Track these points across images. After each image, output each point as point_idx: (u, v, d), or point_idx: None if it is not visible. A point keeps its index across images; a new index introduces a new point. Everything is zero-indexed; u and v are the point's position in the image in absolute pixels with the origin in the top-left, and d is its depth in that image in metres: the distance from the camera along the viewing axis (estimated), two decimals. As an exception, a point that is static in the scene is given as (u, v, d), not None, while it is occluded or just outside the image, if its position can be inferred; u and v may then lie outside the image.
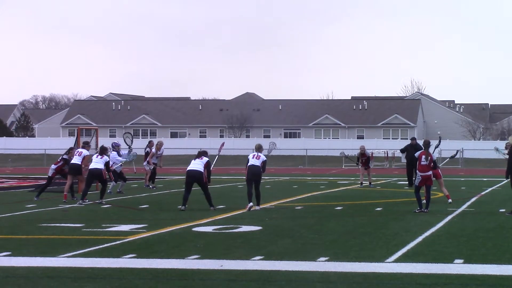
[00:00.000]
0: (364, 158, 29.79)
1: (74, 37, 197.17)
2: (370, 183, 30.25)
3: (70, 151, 24.08)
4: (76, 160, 23.17)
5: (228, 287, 10.12)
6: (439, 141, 22.41)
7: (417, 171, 19.46)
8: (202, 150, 21.53)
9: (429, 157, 19.36)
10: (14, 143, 79.65)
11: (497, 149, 30.97)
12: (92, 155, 23.29)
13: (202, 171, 20.29)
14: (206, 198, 20.39)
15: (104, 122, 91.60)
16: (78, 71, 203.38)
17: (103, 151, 22.68)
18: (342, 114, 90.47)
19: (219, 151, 25.24)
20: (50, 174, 24.24)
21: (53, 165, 24.39)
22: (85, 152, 23.41)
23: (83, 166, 23.30)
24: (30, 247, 13.31)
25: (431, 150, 19.85)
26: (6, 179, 36.20)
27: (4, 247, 13.21)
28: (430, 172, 19.39)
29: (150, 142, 30.58)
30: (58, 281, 10.37)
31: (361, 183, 29.97)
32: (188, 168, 20.49)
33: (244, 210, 19.73)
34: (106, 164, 22.42)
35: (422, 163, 19.28)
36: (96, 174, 22.17)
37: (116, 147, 26.08)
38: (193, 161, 20.71)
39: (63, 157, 24.16)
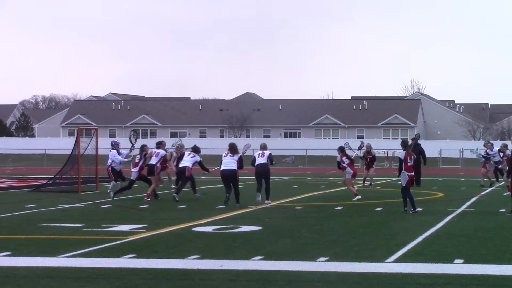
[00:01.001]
0: (369, 157, 29.59)
1: (74, 37, 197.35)
2: (370, 183, 30.10)
3: (144, 148, 24.40)
4: (152, 160, 23.79)
5: (228, 287, 10.12)
6: (414, 138, 22.85)
7: (404, 171, 19.40)
8: (232, 143, 22.12)
9: (413, 157, 19.53)
10: (14, 143, 79.66)
11: (472, 151, 31.39)
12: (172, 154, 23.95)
13: (236, 169, 21.09)
14: (235, 194, 21.09)
15: (104, 122, 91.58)
16: (78, 71, 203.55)
17: (196, 150, 23.53)
18: (342, 114, 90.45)
19: (244, 152, 24.62)
20: (133, 177, 24.12)
21: (133, 168, 24.29)
22: (161, 152, 24.03)
23: (157, 165, 23.87)
24: (30, 247, 13.30)
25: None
26: (6, 179, 36.19)
27: (4, 247, 13.20)
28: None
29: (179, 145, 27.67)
30: (58, 281, 10.37)
31: (364, 182, 29.81)
32: (223, 168, 21.14)
33: (244, 210, 19.74)
34: (199, 163, 23.18)
35: (409, 163, 19.39)
36: (181, 172, 23.05)
37: (115, 146, 26.05)
38: (224, 158, 21.34)
39: (143, 155, 24.25)
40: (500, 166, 28.29)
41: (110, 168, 25.70)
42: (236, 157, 21.21)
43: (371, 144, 31.32)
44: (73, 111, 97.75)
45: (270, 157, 21.80)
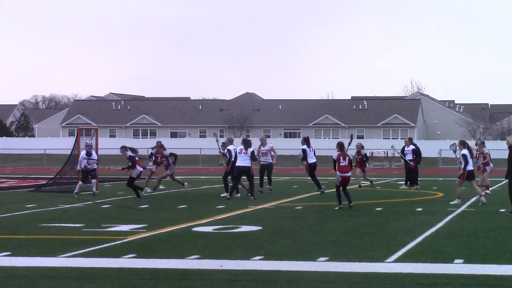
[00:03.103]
0: (358, 157, 28.14)
1: (74, 37, 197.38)
2: (371, 183, 28.97)
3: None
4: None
5: (228, 287, 10.11)
6: (351, 139, 23.23)
7: (337, 171, 19.73)
8: (246, 139, 23.50)
9: (347, 157, 19.84)
10: (14, 143, 79.67)
11: (392, 147, 31.59)
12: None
13: (250, 165, 22.89)
14: (250, 187, 22.98)
15: (104, 122, 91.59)
16: (78, 71, 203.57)
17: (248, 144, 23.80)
18: (342, 114, 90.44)
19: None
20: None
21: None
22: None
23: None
24: (30, 247, 13.30)
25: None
26: (6, 179, 36.19)
27: (4, 247, 13.20)
28: (350, 173, 19.98)
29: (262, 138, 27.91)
30: (58, 281, 10.36)
31: (360, 185, 28.49)
32: (239, 164, 22.75)
33: (244, 210, 19.74)
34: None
35: (342, 164, 19.70)
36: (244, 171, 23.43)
37: (88, 147, 25.74)
38: (239, 154, 22.85)
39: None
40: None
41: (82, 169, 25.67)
42: (249, 153, 22.86)
43: (361, 144, 29.82)
44: (73, 111, 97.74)
45: (252, 153, 23.06)
